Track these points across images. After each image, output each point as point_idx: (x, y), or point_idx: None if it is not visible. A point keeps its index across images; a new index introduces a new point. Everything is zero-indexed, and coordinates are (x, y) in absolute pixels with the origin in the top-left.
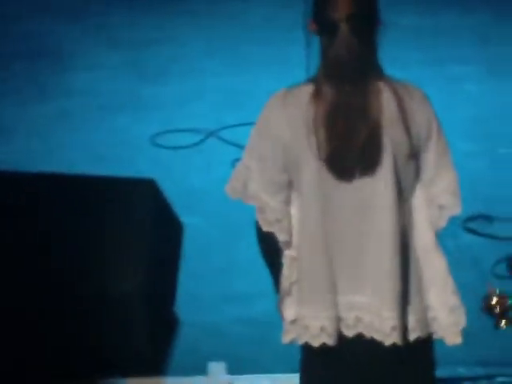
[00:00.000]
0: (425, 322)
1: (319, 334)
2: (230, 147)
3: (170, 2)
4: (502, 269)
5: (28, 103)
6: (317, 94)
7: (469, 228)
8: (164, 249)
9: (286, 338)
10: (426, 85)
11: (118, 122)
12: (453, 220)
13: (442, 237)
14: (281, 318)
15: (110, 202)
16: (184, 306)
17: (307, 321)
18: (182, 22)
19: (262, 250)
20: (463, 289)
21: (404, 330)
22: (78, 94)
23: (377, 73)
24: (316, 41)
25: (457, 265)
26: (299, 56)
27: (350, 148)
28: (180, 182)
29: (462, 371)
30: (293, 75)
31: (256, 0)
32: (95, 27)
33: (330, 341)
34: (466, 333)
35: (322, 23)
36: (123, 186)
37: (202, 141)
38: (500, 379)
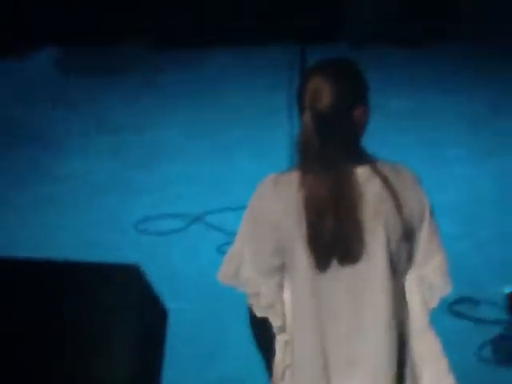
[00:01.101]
0: None
1: None
2: (214, 232)
3: (156, 87)
4: (487, 352)
5: (13, 188)
6: (302, 181)
7: (454, 311)
8: (149, 335)
9: None
10: (414, 166)
11: (104, 207)
12: (438, 303)
13: None
14: None
15: (93, 288)
16: None
17: None
18: (166, 107)
19: (254, 336)
20: None
21: None
22: (65, 179)
23: (360, 159)
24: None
25: (442, 347)
26: (282, 140)
27: (335, 235)
28: (165, 267)
29: None
30: (276, 160)
31: (240, 84)
32: (84, 112)
33: None
34: None
35: (300, 108)
36: (107, 271)
37: (186, 226)
38: None
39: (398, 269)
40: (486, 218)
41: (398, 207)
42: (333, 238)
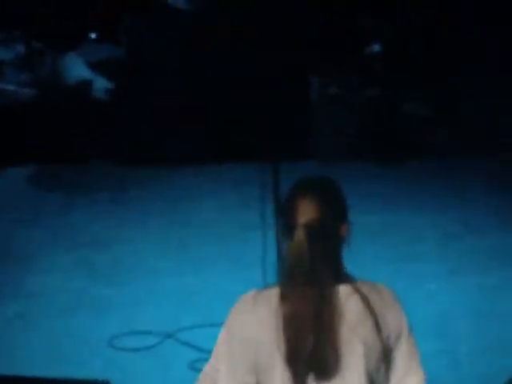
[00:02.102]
0: None
1: None
2: (186, 349)
3: (125, 203)
4: None
5: None
6: (282, 299)
7: None
8: None
9: None
10: (387, 281)
11: (74, 324)
12: None
13: None
14: None
15: None
16: None
17: None
18: (135, 223)
19: None
20: None
21: None
22: (34, 296)
23: (341, 276)
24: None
25: None
26: (254, 255)
27: (313, 352)
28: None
29: None
30: (247, 275)
31: (212, 200)
32: (53, 229)
33: None
34: None
35: (285, 227)
36: None
37: (158, 343)
38: None
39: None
40: (461, 334)
41: (377, 327)
42: (311, 354)
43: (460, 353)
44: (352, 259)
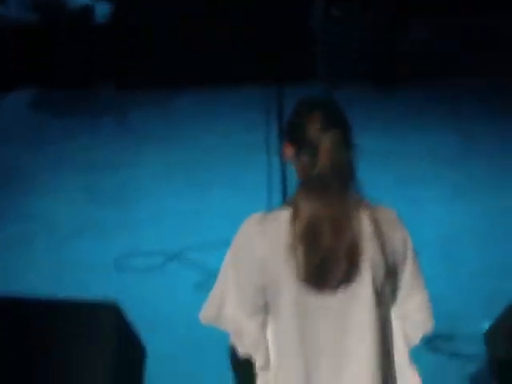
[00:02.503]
0: None
1: None
2: (192, 269)
3: (127, 127)
4: None
5: None
6: (295, 215)
7: (432, 346)
8: (127, 371)
9: None
10: (390, 205)
11: (79, 246)
12: None
13: None
14: None
15: (71, 326)
16: None
17: None
18: (140, 146)
19: (236, 375)
20: None
21: None
22: (37, 219)
23: (355, 190)
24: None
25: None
26: (258, 179)
27: (330, 263)
28: (143, 304)
29: None
30: (252, 198)
31: (215, 121)
32: (55, 153)
33: None
34: None
35: (301, 142)
36: (84, 309)
37: (164, 263)
38: None
39: (382, 306)
40: (463, 255)
41: (383, 246)
42: (324, 255)
43: (463, 275)
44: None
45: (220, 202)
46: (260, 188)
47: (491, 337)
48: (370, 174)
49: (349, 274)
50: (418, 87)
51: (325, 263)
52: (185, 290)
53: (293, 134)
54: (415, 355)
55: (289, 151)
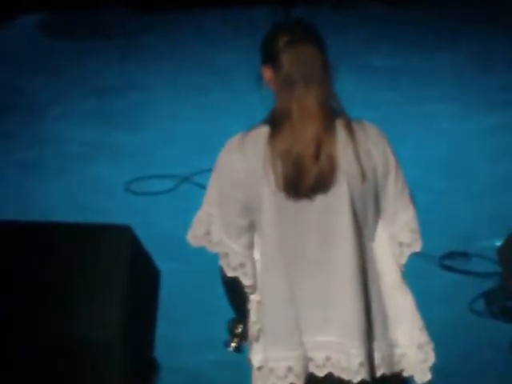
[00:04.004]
0: (391, 358)
1: (286, 375)
2: (203, 192)
3: (139, 49)
4: (479, 305)
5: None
6: (275, 130)
7: (446, 265)
8: (141, 295)
9: None
10: (400, 123)
11: (91, 171)
12: (429, 258)
13: (419, 274)
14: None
15: (85, 250)
16: (163, 352)
17: (272, 363)
18: (150, 69)
19: (228, 297)
20: (441, 326)
21: (371, 366)
22: (49, 143)
23: (335, 105)
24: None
25: (435, 302)
26: (269, 101)
27: (307, 173)
28: (156, 227)
29: None
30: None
31: (226, 44)
32: (65, 77)
33: (299, 381)
34: (445, 371)
35: (275, 63)
36: (98, 232)
37: (176, 186)
38: None
39: (365, 223)
40: (475, 172)
41: (360, 158)
42: (301, 167)
43: (474, 190)
44: (363, 103)
45: (232, 124)
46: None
47: (504, 253)
48: (379, 93)
49: (326, 185)
50: (432, 7)
51: (302, 174)
52: (196, 211)
53: (266, 56)
54: (428, 274)
55: (267, 74)
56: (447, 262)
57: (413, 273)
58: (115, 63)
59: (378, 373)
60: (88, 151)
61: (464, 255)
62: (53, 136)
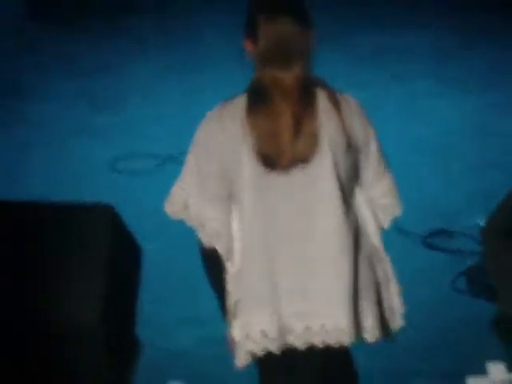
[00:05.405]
0: (379, 321)
1: (260, 339)
2: None
3: (124, 27)
4: (461, 283)
5: None
6: (252, 104)
7: (428, 243)
8: (123, 274)
9: (238, 361)
10: (384, 102)
11: (75, 150)
12: (412, 236)
13: (401, 252)
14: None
15: (67, 228)
16: (146, 330)
17: (247, 328)
18: (134, 47)
19: (206, 271)
20: (423, 303)
21: (358, 328)
22: (34, 124)
23: (313, 77)
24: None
25: (417, 280)
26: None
27: (284, 152)
28: (138, 206)
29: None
30: None
31: (213, 23)
32: (50, 57)
33: (273, 346)
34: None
35: (255, 35)
36: (80, 211)
37: (159, 165)
38: None
39: (345, 188)
40: (459, 151)
41: (343, 127)
42: (280, 132)
43: (458, 169)
44: (348, 80)
45: (215, 104)
46: None
47: (487, 232)
48: (366, 71)
49: (306, 160)
50: None
51: (278, 151)
52: None
53: (247, 28)
54: (411, 252)
55: (249, 46)
56: (430, 240)
57: (396, 250)
58: (98, 44)
59: (368, 337)
60: (71, 130)
61: (447, 233)
62: (36, 116)
